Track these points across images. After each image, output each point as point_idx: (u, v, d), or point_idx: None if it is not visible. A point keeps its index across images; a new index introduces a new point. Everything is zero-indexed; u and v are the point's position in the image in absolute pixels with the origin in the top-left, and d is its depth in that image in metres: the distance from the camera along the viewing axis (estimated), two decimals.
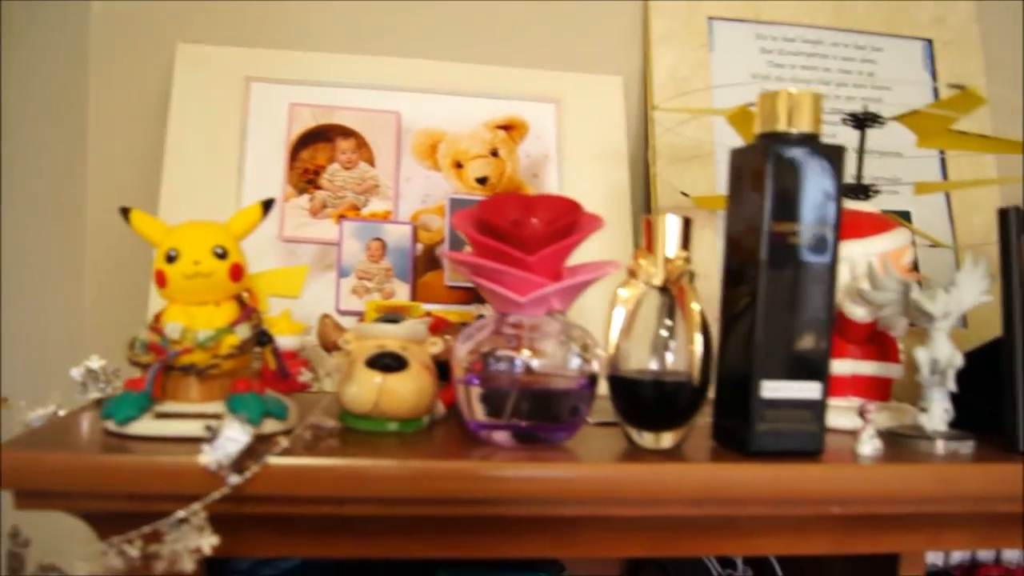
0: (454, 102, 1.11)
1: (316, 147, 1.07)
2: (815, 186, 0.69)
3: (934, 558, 1.04)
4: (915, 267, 0.88)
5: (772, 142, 0.69)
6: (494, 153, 1.09)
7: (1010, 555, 1.06)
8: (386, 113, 1.09)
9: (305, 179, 1.06)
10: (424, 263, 1.04)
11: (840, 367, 0.86)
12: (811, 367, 0.70)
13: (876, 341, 0.86)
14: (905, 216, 1.12)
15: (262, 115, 1.07)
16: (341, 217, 1.03)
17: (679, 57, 1.13)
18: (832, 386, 0.85)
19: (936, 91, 1.18)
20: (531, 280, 0.67)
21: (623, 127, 1.12)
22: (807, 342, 0.70)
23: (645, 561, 1.12)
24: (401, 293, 1.02)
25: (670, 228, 0.71)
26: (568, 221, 0.70)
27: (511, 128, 1.10)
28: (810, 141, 0.69)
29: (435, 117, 1.10)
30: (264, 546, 0.68)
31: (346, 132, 1.07)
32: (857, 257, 0.84)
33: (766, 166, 0.68)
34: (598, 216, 0.72)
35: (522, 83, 1.13)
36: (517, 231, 0.69)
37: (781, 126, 0.69)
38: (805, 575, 1.00)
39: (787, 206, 0.68)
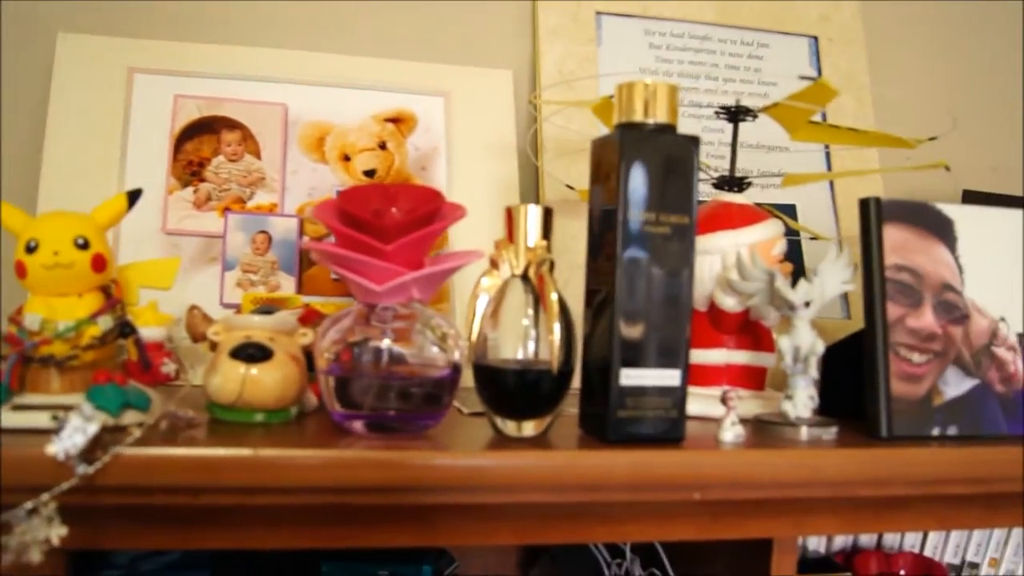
0: (342, 95, 1.10)
1: (201, 139, 1.06)
2: (671, 175, 0.70)
3: (816, 544, 1.06)
4: (787, 258, 0.89)
5: (628, 132, 0.70)
6: (382, 146, 1.09)
7: (891, 540, 1.08)
8: (273, 105, 1.08)
9: (189, 171, 1.04)
10: (310, 256, 1.03)
11: (714, 356, 0.87)
12: (670, 355, 0.71)
13: (749, 331, 0.88)
14: (790, 210, 1.15)
15: (146, 107, 1.06)
16: (226, 210, 1.02)
17: (567, 51, 1.14)
18: (705, 376, 0.87)
19: None
20: (389, 269, 0.67)
21: (512, 121, 1.13)
22: (666, 330, 0.71)
23: (539, 554, 1.13)
24: (287, 286, 1.01)
25: (531, 218, 0.72)
26: (428, 210, 0.70)
27: (400, 121, 1.10)
28: (666, 131, 0.70)
29: (323, 110, 1.09)
30: (125, 538, 0.67)
31: (231, 124, 1.06)
32: (728, 248, 0.85)
33: (622, 156, 0.68)
34: (460, 205, 0.72)
35: (411, 76, 1.12)
36: (377, 221, 0.69)
37: (638, 116, 0.70)
38: (689, 562, 1.01)
39: (643, 195, 0.69)
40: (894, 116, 1.20)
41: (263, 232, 1.01)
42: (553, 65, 1.14)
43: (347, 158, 1.08)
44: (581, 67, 1.13)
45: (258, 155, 1.06)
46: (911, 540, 1.08)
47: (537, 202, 1.10)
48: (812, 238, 1.11)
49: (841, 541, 1.07)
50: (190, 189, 1.04)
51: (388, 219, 0.69)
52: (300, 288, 1.01)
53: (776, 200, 1.13)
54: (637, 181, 0.69)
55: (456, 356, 0.70)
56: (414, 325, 0.70)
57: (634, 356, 0.70)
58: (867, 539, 1.08)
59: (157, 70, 1.07)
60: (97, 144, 1.03)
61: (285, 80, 1.09)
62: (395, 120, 1.10)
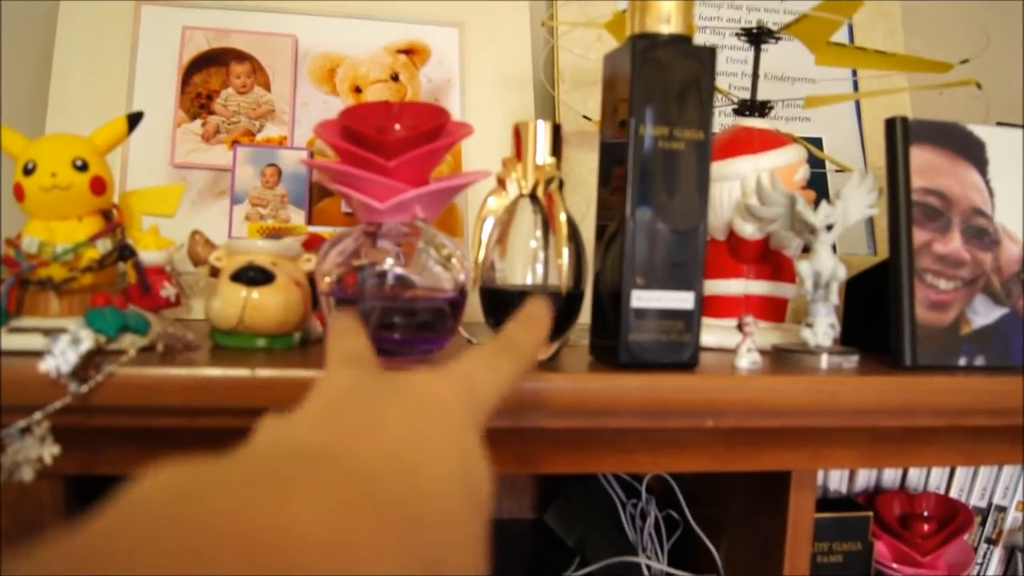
0: (354, 26, 1.07)
1: (209, 71, 1.03)
2: (686, 89, 0.67)
3: (838, 484, 1.03)
4: (811, 189, 0.86)
5: (641, 41, 0.66)
6: (395, 78, 1.06)
7: (915, 481, 1.05)
8: (282, 37, 1.05)
9: (198, 104, 1.02)
10: (320, 189, 1.01)
11: (732, 287, 0.85)
12: (684, 277, 0.68)
13: (769, 261, 0.85)
14: (816, 143, 1.11)
15: (153, 39, 1.03)
16: (235, 143, 1.00)
17: None
18: (723, 306, 0.84)
19: (850, 22, 1.16)
20: (391, 186, 0.65)
21: (528, 53, 1.10)
22: (680, 251, 0.68)
23: (554, 496, 1.11)
24: (297, 220, 0.99)
25: (539, 134, 0.69)
26: (433, 126, 0.67)
27: (412, 53, 1.07)
28: (680, 42, 0.67)
29: (334, 41, 1.07)
30: (122, 462, 0.66)
31: (241, 56, 1.04)
32: (748, 173, 0.82)
33: (634, 65, 0.65)
34: (466, 123, 0.70)
35: (425, 7, 1.09)
36: (380, 137, 0.66)
37: (651, 27, 0.67)
38: (706, 502, 0.99)
39: (656, 109, 0.66)
40: (926, 47, 1.15)
41: (272, 165, 0.99)
42: None
43: (358, 90, 1.06)
44: None
45: (268, 87, 1.04)
46: (935, 481, 1.05)
47: None
48: (838, 170, 1.07)
49: (863, 481, 1.04)
50: (198, 122, 1.02)
51: (391, 136, 0.67)
52: (310, 222, 0.99)
53: (803, 134, 1.09)
54: (650, 92, 0.66)
55: (462, 278, 0.68)
56: (417, 244, 0.68)
57: (646, 278, 0.67)
58: (890, 480, 1.05)
59: (164, 1, 1.05)
60: (104, 77, 1.01)
61: (295, 11, 1.07)
62: (408, 52, 1.07)
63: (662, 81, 0.66)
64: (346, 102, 1.05)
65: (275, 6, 1.06)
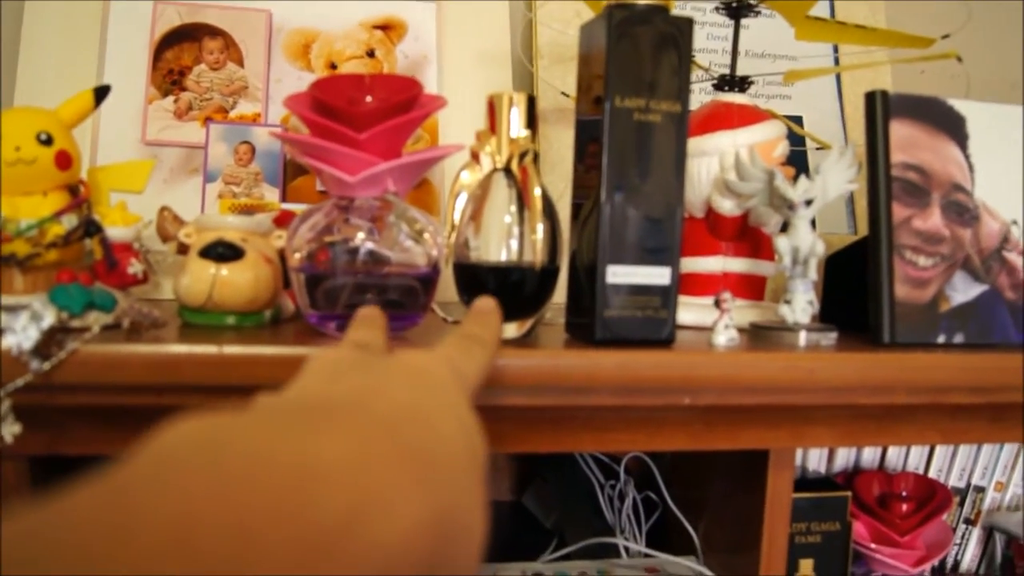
0: (328, 1, 1.06)
1: (182, 47, 1.02)
2: (662, 60, 0.65)
3: (817, 464, 1.03)
4: (792, 166, 0.85)
5: (617, 13, 0.65)
6: (370, 54, 1.05)
7: (894, 462, 1.05)
8: (256, 12, 1.04)
9: (170, 80, 1.01)
10: (295, 167, 1.00)
11: (710, 264, 0.84)
12: (660, 252, 0.67)
13: (748, 238, 0.84)
14: (797, 121, 1.10)
15: (124, 14, 1.01)
16: (208, 119, 0.99)
17: None
18: (702, 284, 0.84)
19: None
20: (362, 159, 0.64)
21: (507, 29, 1.08)
22: (656, 226, 0.67)
23: (532, 478, 1.11)
24: (271, 198, 0.97)
25: (513, 107, 0.68)
26: (404, 98, 0.66)
27: (389, 28, 1.06)
28: (658, 12, 0.66)
29: (308, 16, 1.05)
30: (86, 442, 0.65)
31: (213, 31, 1.02)
32: (726, 148, 0.81)
33: (609, 35, 0.64)
34: (439, 96, 0.68)
35: None
36: (350, 109, 0.65)
37: None
38: (685, 484, 0.99)
39: (632, 80, 0.65)
40: (908, 24, 1.14)
41: (246, 143, 0.97)
42: None
43: (334, 67, 1.04)
44: None
45: (241, 63, 1.02)
46: (914, 461, 1.05)
47: None
48: (818, 147, 1.06)
49: (842, 461, 1.04)
50: (170, 98, 1.00)
51: (362, 107, 0.66)
52: (284, 199, 0.98)
53: (783, 111, 1.08)
54: (626, 63, 0.64)
55: (435, 253, 0.67)
56: (388, 218, 0.66)
57: (622, 253, 0.66)
58: (869, 460, 1.05)
59: None
60: (74, 53, 0.99)
61: None
62: (384, 27, 1.06)
63: (638, 51, 0.65)
64: None
65: None
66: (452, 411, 0.39)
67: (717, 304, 0.72)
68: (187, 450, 0.27)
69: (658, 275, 0.67)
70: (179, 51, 1.01)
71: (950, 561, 1.08)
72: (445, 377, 0.42)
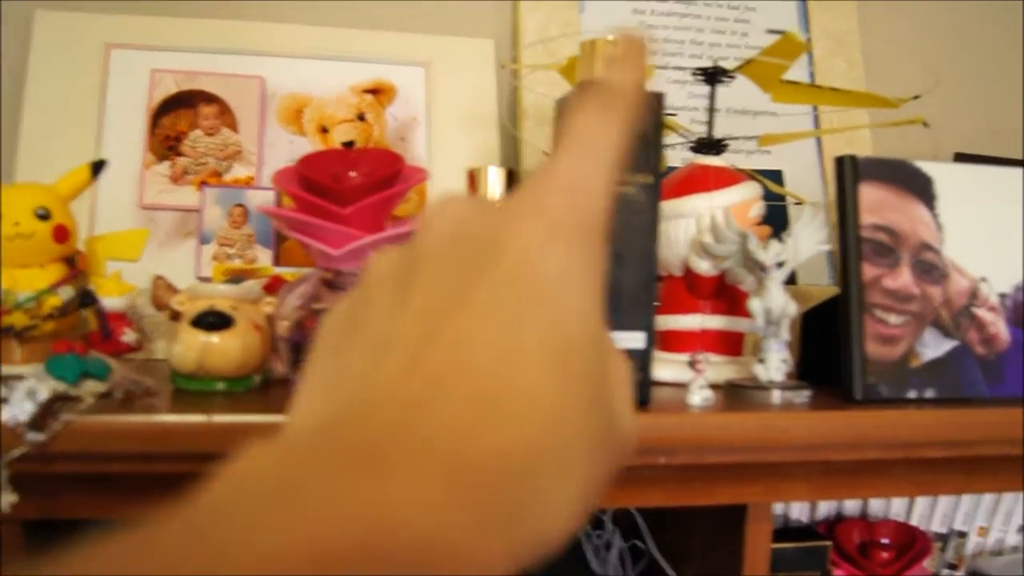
0: (320, 66, 1.09)
1: (178, 113, 1.05)
2: (634, 135, 0.68)
3: (799, 513, 1.04)
4: (772, 224, 0.88)
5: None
6: (361, 117, 1.08)
7: (876, 509, 1.07)
8: (250, 78, 1.07)
9: (166, 146, 1.04)
10: None
11: (689, 322, 0.86)
12: (636, 317, 0.70)
13: (725, 296, 0.86)
14: (775, 176, 1.13)
15: (123, 82, 1.05)
16: (203, 183, 1.02)
17: (549, 18, 1.13)
18: (680, 341, 0.86)
19: (810, 53, 1.18)
20: (346, 233, 0.66)
21: (493, 90, 1.11)
22: (631, 292, 0.69)
23: None
24: (264, 259, 1.00)
25: (491, 179, 0.71)
26: (388, 173, 0.69)
27: (379, 92, 1.09)
28: None
29: (300, 82, 1.08)
30: (80, 507, 0.67)
31: (209, 98, 1.06)
32: (703, 211, 0.84)
33: None
34: (422, 168, 0.71)
35: (390, 46, 1.11)
36: (336, 185, 0.68)
37: (600, 73, 0.69)
38: (669, 533, 1.00)
39: None
40: (886, 80, 1.17)
41: (240, 205, 1.00)
42: (535, 33, 1.12)
43: (325, 130, 1.07)
44: (563, 32, 1.11)
45: (235, 128, 1.05)
46: (897, 508, 1.07)
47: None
48: (797, 203, 1.09)
49: (824, 510, 1.06)
50: (167, 163, 1.03)
51: (347, 183, 0.69)
52: (277, 261, 1.00)
53: (763, 166, 1.11)
54: None
55: None
56: None
57: None
58: (851, 508, 1.07)
59: (134, 45, 1.06)
60: (74, 120, 1.02)
61: (262, 52, 1.08)
62: (374, 91, 1.09)
63: None
64: (312, 142, 1.06)
65: (242, 48, 1.08)
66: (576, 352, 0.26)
67: (692, 365, 0.74)
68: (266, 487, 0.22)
69: (634, 339, 0.69)
70: (175, 117, 1.05)
71: None
72: (557, 273, 0.26)
